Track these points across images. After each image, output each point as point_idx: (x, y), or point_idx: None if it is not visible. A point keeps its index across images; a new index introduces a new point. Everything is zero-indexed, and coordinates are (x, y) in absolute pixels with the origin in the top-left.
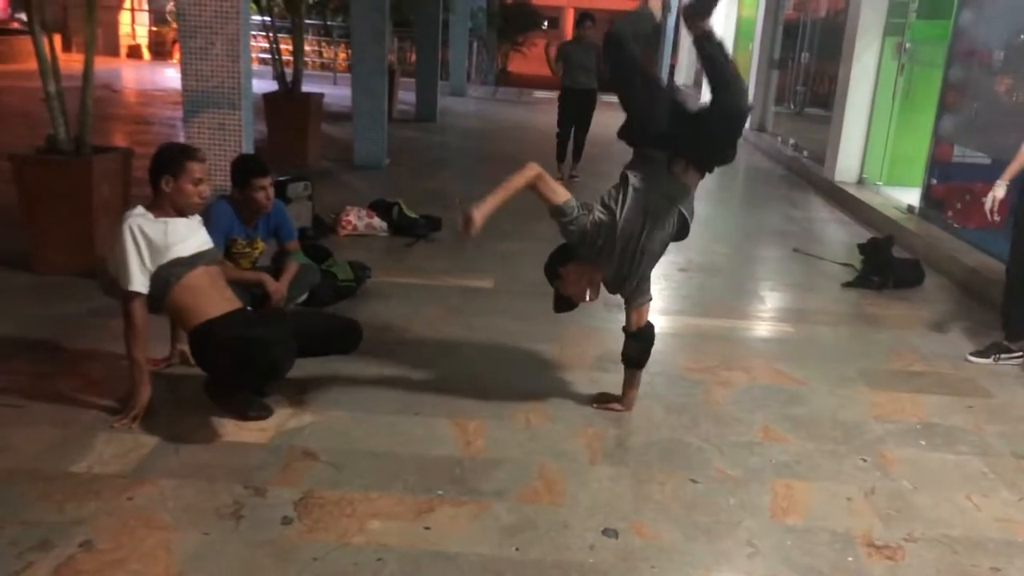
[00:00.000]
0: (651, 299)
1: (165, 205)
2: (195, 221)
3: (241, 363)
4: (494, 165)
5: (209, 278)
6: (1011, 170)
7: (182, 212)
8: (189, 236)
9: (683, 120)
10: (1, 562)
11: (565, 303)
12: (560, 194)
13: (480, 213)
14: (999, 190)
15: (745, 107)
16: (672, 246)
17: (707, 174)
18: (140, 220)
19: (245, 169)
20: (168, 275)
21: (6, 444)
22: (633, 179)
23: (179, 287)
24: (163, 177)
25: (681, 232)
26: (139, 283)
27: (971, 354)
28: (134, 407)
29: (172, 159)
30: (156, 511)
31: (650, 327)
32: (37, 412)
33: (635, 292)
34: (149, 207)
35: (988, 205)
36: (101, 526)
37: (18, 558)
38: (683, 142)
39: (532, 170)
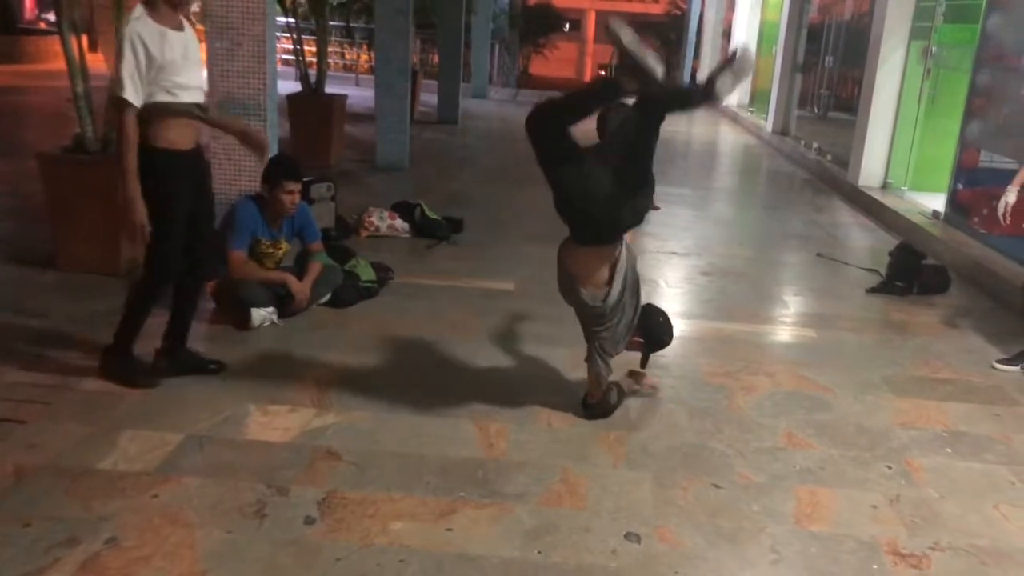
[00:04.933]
0: (593, 366)
1: None
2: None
3: None
4: (516, 167)
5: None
6: (1022, 175)
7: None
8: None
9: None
10: (28, 558)
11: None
12: None
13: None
14: (1011, 195)
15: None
16: (693, 248)
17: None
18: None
19: (280, 170)
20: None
21: (33, 441)
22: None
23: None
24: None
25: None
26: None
27: (998, 361)
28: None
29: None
30: (181, 509)
31: (589, 404)
32: (63, 409)
33: None
34: None
35: (1000, 210)
36: (126, 523)
37: (45, 554)
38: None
39: None
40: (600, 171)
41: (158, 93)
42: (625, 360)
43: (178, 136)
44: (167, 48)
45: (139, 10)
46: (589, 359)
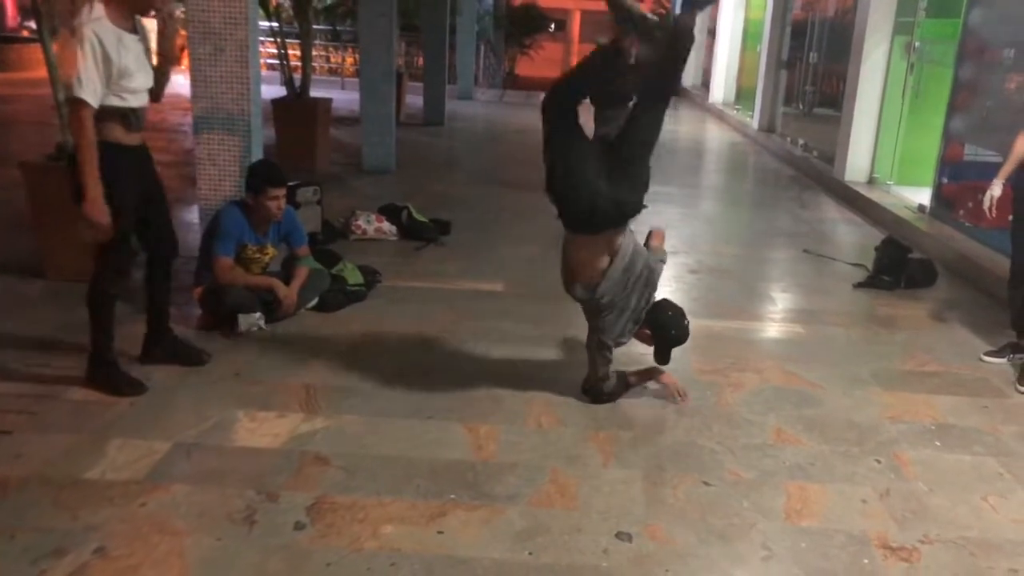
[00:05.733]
0: (591, 353)
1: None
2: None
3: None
4: (503, 168)
5: None
6: (1006, 168)
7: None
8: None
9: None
10: (15, 569)
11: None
12: None
13: None
14: (996, 188)
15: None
16: (681, 246)
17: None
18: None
19: (263, 176)
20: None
21: (20, 451)
22: None
23: None
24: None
25: None
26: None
27: (985, 354)
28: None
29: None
30: (169, 517)
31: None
32: (50, 419)
33: None
34: None
35: (986, 204)
36: (114, 532)
37: (32, 565)
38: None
39: None
40: (591, 155)
41: (108, 97)
42: (631, 352)
43: (124, 134)
44: (123, 52)
45: (99, 10)
46: (588, 346)
